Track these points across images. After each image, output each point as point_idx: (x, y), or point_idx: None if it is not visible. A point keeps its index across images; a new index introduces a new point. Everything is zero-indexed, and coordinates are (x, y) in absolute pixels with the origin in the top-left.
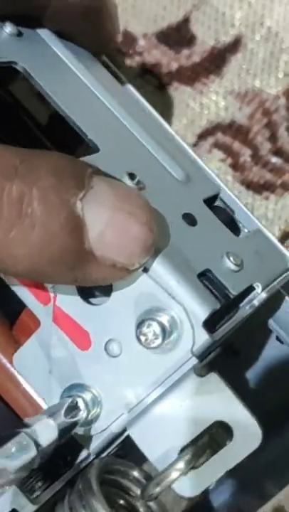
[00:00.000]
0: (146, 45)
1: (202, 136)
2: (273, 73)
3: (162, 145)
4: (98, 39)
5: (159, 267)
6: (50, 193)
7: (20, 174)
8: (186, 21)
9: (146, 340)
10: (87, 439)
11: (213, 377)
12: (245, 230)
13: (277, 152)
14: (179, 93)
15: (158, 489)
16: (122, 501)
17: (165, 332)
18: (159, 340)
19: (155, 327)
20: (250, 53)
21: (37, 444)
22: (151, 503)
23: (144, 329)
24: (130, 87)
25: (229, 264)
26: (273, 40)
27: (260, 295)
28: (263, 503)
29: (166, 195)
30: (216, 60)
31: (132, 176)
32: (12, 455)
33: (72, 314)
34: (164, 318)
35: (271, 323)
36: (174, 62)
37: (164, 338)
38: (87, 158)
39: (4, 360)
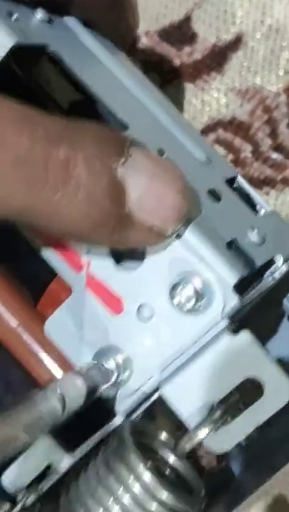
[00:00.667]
0: (149, 43)
1: (203, 132)
2: (274, 70)
3: (183, 128)
4: (120, 30)
5: (191, 234)
6: (93, 158)
7: (66, 140)
8: (187, 19)
9: (179, 302)
10: (118, 400)
11: (245, 335)
12: (262, 211)
13: (278, 148)
14: (181, 90)
15: (189, 445)
16: (149, 463)
17: (198, 295)
18: (191, 303)
19: (188, 290)
20: (251, 51)
21: (64, 401)
22: (179, 466)
23: (178, 291)
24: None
25: (253, 237)
26: (274, 38)
27: (281, 268)
28: (272, 475)
29: (191, 171)
30: (217, 58)
31: (160, 152)
32: (41, 411)
33: (105, 280)
34: (197, 282)
35: (285, 303)
36: (175, 59)
37: (196, 301)
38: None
39: (26, 336)
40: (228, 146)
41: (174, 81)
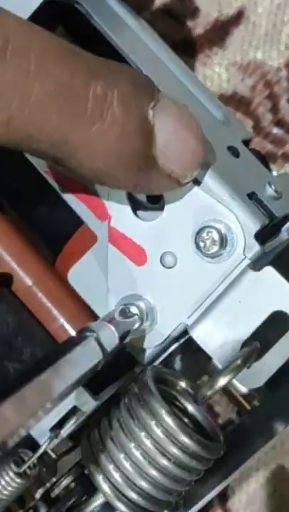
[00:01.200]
0: (151, 17)
1: None
2: (275, 45)
3: (202, 90)
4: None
5: (215, 183)
6: (128, 97)
7: (104, 76)
8: None
9: (204, 246)
10: (144, 346)
11: (268, 270)
12: (274, 172)
13: (279, 123)
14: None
15: (211, 392)
16: None
17: (222, 239)
18: (216, 247)
19: (214, 234)
20: (253, 26)
21: (102, 349)
22: (198, 413)
23: (204, 236)
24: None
25: (271, 191)
26: (276, 13)
27: None
28: (269, 440)
29: (211, 129)
30: (219, 32)
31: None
32: (81, 358)
33: (128, 233)
34: (221, 228)
35: None
36: (177, 34)
37: (221, 245)
38: None
39: (40, 294)
40: None
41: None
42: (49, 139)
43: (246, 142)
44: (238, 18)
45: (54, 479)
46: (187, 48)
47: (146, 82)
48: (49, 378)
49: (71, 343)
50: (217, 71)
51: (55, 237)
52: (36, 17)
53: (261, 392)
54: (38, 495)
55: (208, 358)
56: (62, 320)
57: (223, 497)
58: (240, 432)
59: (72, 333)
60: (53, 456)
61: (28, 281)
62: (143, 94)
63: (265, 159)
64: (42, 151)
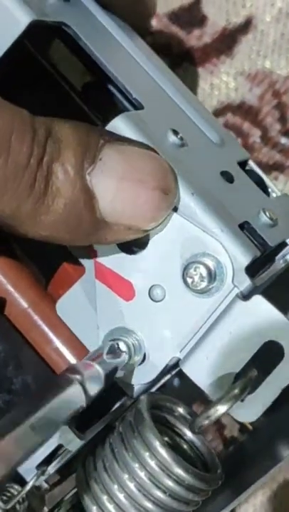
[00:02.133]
0: (158, 26)
1: None
2: (284, 54)
3: (197, 110)
4: (137, 13)
5: (203, 214)
6: (69, 168)
7: (48, 149)
8: (197, 2)
9: (192, 282)
10: (133, 381)
11: (258, 300)
12: (274, 195)
13: (287, 133)
14: (190, 74)
15: (207, 422)
16: (166, 438)
17: (211, 275)
18: (204, 283)
19: (202, 270)
20: (261, 34)
21: (86, 393)
22: (195, 442)
23: (191, 272)
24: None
25: (265, 218)
26: (284, 22)
27: None
28: (275, 463)
29: (205, 153)
30: (227, 41)
31: (175, 132)
32: (63, 406)
33: (114, 268)
34: (210, 263)
35: None
36: (185, 42)
37: (209, 281)
38: (133, 113)
39: (36, 317)
40: (237, 131)
41: (183, 64)
42: None
43: (243, 163)
44: (246, 26)
45: (46, 509)
46: (194, 57)
47: (88, 142)
48: (28, 427)
49: (55, 386)
50: (225, 80)
51: (46, 264)
52: (27, 35)
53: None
54: None
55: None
56: (57, 342)
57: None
58: (243, 453)
59: (67, 355)
60: (45, 486)
61: (24, 304)
62: (83, 159)
63: (262, 181)
64: None
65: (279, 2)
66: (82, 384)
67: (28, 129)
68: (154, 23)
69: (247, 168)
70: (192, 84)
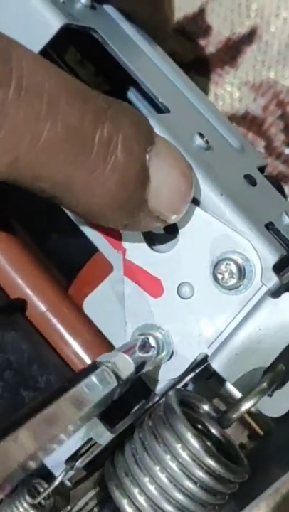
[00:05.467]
0: (163, 36)
1: None
2: (288, 65)
3: (217, 116)
4: (156, 22)
5: (232, 214)
6: (131, 142)
7: (110, 118)
8: (202, 12)
9: (222, 278)
10: (161, 377)
11: (287, 297)
12: None
13: None
14: (194, 84)
15: (236, 416)
16: None
17: (241, 272)
18: (234, 280)
19: (232, 266)
20: (266, 45)
21: (117, 377)
22: (223, 436)
23: (222, 268)
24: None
25: (287, 220)
26: (288, 32)
27: None
28: (285, 472)
29: (228, 157)
30: (232, 51)
31: (201, 136)
32: (94, 386)
33: (143, 265)
34: (239, 260)
35: None
36: (189, 52)
37: (239, 278)
38: (161, 116)
39: (54, 320)
40: None
41: (188, 75)
42: (51, 179)
43: (261, 169)
44: (250, 37)
45: (69, 507)
46: (199, 67)
47: (146, 125)
48: (62, 408)
49: (87, 372)
50: (229, 90)
51: (68, 264)
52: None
53: (274, 419)
54: None
55: (220, 384)
56: (76, 346)
57: None
58: (255, 458)
59: (87, 359)
60: (68, 484)
61: (42, 307)
62: (143, 138)
63: (280, 186)
64: (42, 189)
65: (284, 12)
66: (113, 370)
67: (82, 94)
68: (159, 33)
69: (265, 174)
70: None
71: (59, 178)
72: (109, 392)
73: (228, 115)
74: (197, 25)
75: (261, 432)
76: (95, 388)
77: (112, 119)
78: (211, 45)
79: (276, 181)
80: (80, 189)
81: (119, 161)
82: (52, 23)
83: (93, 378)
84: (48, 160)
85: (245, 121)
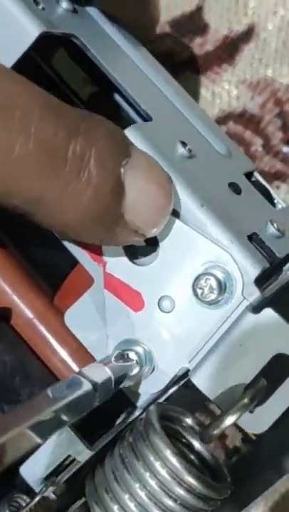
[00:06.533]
0: (159, 34)
1: None
2: (286, 63)
3: (203, 121)
4: (142, 24)
5: (213, 226)
6: (105, 155)
7: (83, 132)
8: (199, 10)
9: (202, 293)
10: (141, 392)
11: (268, 313)
12: (280, 206)
13: None
14: (192, 82)
15: (217, 431)
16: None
17: (221, 287)
18: (214, 295)
19: (212, 281)
20: (263, 42)
21: (91, 381)
22: (205, 452)
23: (202, 283)
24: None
25: (273, 230)
26: (286, 30)
27: None
28: (280, 476)
29: (212, 164)
30: (229, 49)
31: (183, 144)
32: (64, 391)
33: (123, 278)
34: (220, 274)
35: None
36: (186, 50)
37: (219, 293)
38: (142, 125)
39: (41, 328)
40: (239, 140)
41: (185, 72)
42: (24, 195)
43: (249, 174)
44: (248, 34)
45: None
46: (196, 65)
47: (121, 138)
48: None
49: (66, 385)
50: (226, 88)
51: (54, 273)
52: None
53: None
54: None
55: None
56: (63, 353)
57: None
58: (246, 465)
59: (74, 367)
60: (52, 497)
61: (29, 314)
62: (117, 151)
63: (268, 192)
64: (14, 205)
65: (281, 10)
66: (93, 385)
67: (55, 108)
68: (156, 31)
69: (253, 179)
70: (194, 92)
71: (32, 195)
72: (89, 406)
73: (225, 113)
74: (194, 23)
75: (253, 437)
76: (76, 403)
77: (86, 133)
78: (208, 43)
79: (264, 187)
80: (53, 205)
81: (92, 175)
82: (30, 31)
83: (75, 393)
84: (20, 176)
85: (243, 119)
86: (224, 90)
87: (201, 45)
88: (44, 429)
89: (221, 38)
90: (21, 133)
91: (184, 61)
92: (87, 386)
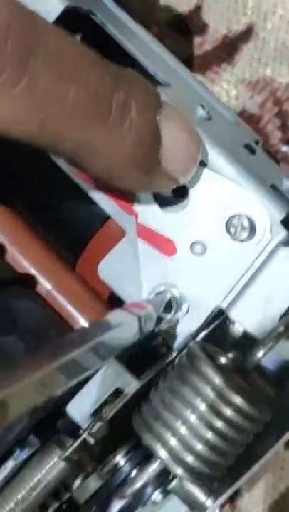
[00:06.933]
0: (159, 33)
1: None
2: (285, 62)
3: (210, 93)
4: (142, 12)
5: (240, 174)
6: (143, 104)
7: (124, 84)
8: (198, 9)
9: (235, 232)
10: (179, 333)
11: None
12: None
13: (288, 141)
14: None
15: (260, 354)
16: None
17: (252, 226)
18: (246, 233)
19: (244, 221)
20: (262, 42)
21: (135, 314)
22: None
23: (234, 222)
24: None
25: (288, 185)
26: (285, 29)
27: None
28: (265, 453)
29: (227, 127)
30: (228, 49)
31: (203, 107)
32: (108, 325)
33: (156, 227)
34: (250, 215)
35: None
36: (185, 50)
37: (250, 231)
38: (163, 88)
39: (61, 298)
40: None
41: None
42: (75, 140)
43: (257, 142)
44: (247, 34)
45: (96, 464)
46: (195, 65)
47: (154, 91)
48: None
49: (111, 320)
50: (225, 88)
51: (74, 241)
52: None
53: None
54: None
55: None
56: (84, 323)
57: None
58: None
59: None
60: (92, 441)
61: (48, 286)
62: (153, 101)
63: (276, 159)
64: (65, 151)
65: (280, 10)
66: (138, 318)
67: (98, 62)
68: (155, 30)
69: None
70: None
71: (82, 139)
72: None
73: None
74: (193, 22)
75: None
76: (120, 337)
77: (126, 84)
78: (207, 42)
79: (271, 154)
80: (100, 149)
81: (133, 122)
82: (55, 5)
83: (122, 327)
84: (73, 122)
85: (242, 118)
86: (223, 90)
87: (200, 45)
88: (87, 363)
89: (220, 37)
90: (73, 81)
91: (183, 61)
92: (131, 318)
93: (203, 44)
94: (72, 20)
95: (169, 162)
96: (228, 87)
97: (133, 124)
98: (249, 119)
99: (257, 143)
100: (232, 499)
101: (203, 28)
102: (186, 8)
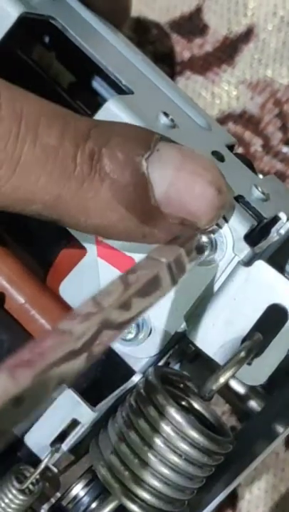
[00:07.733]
0: (159, 35)
1: None
2: (285, 63)
3: (181, 97)
4: (113, 13)
5: None
6: (117, 151)
7: (92, 137)
8: (198, 10)
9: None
10: (140, 357)
11: (259, 264)
12: (260, 176)
13: (288, 142)
14: (191, 82)
15: (216, 386)
16: None
17: (212, 245)
18: (207, 251)
19: (203, 239)
20: (263, 43)
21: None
22: (204, 410)
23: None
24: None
25: (257, 193)
26: (286, 30)
27: (285, 224)
28: (271, 441)
29: (194, 134)
30: (228, 50)
31: (166, 114)
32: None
33: (116, 245)
34: (210, 234)
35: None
36: (186, 51)
37: (211, 250)
38: (125, 97)
39: (33, 312)
40: (239, 140)
41: (184, 73)
42: (41, 200)
43: (230, 147)
44: (247, 35)
45: (58, 494)
46: (196, 66)
47: (139, 134)
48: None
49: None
50: (226, 89)
51: (44, 255)
52: (13, 35)
53: (260, 396)
54: (43, 511)
55: (205, 368)
56: None
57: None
58: (241, 437)
59: None
60: (55, 470)
61: (21, 299)
62: (134, 145)
63: (251, 164)
64: (37, 212)
65: (281, 11)
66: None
67: (60, 116)
68: (155, 31)
69: (233, 152)
70: (193, 93)
71: (48, 199)
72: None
73: (225, 114)
74: (194, 23)
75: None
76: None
77: (95, 137)
78: (207, 43)
79: (246, 159)
80: (72, 206)
81: (105, 170)
82: (10, 12)
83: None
84: (31, 181)
85: (243, 119)
86: (224, 91)
87: (201, 46)
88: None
89: (221, 38)
90: (26, 140)
91: (183, 62)
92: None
93: (203, 45)
94: (32, 25)
95: (172, 208)
96: (228, 88)
97: (106, 175)
98: (249, 120)
99: (232, 147)
100: (232, 500)
101: (203, 29)
102: (186, 9)
